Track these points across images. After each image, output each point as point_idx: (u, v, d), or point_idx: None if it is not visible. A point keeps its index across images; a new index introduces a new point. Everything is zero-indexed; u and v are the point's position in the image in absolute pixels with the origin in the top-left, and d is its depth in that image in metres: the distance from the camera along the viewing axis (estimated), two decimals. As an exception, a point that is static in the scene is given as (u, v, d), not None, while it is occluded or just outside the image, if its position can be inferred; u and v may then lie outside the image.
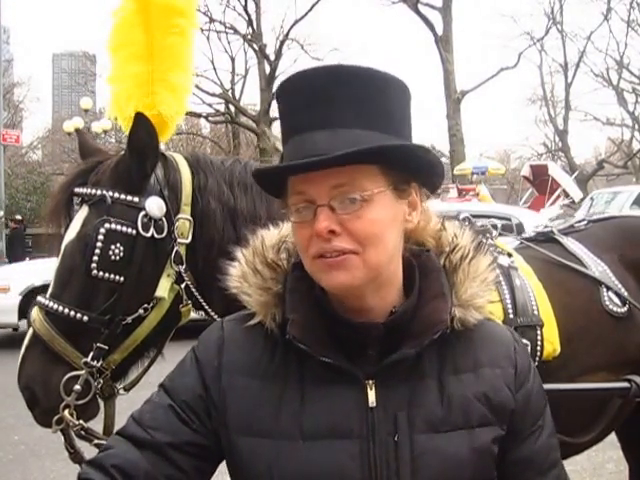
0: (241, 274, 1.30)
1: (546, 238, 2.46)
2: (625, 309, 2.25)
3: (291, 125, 1.20)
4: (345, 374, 1.18)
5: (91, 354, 1.90)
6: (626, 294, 2.27)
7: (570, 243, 2.39)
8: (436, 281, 1.24)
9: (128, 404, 1.34)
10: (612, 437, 2.61)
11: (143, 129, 1.92)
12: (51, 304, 1.92)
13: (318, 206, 1.13)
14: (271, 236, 1.33)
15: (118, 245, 1.90)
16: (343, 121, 1.14)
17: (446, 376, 1.21)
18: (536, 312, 2.08)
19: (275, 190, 1.25)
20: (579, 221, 2.58)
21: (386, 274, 1.20)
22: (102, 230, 1.89)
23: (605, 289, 2.26)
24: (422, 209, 1.25)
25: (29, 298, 9.01)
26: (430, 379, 1.20)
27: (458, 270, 1.27)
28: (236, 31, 29.42)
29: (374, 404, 1.17)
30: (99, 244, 1.89)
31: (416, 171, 1.20)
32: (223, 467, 1.28)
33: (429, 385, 1.20)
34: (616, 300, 2.25)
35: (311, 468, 1.15)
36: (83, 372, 1.90)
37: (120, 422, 1.32)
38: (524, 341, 2.02)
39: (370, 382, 1.18)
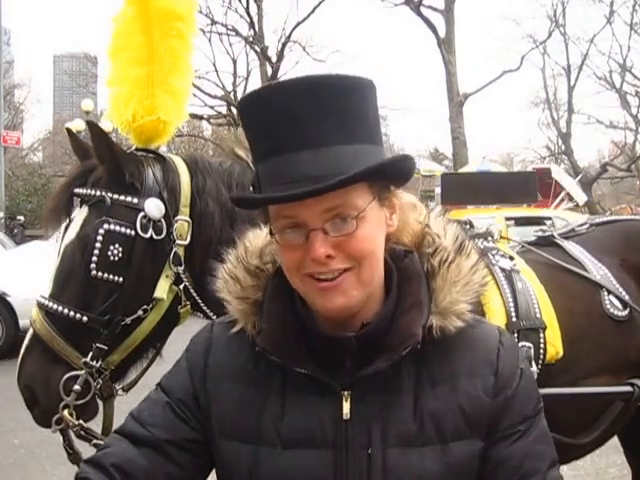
0: (223, 282, 1.29)
1: (547, 242, 2.46)
2: (626, 313, 2.25)
3: (266, 145, 1.12)
4: (322, 385, 1.17)
5: (90, 354, 1.91)
6: (627, 298, 2.27)
7: (571, 247, 2.39)
8: (415, 288, 1.21)
9: (127, 405, 1.34)
10: (615, 442, 2.61)
11: (98, 138, 1.94)
12: (51, 304, 1.92)
13: (311, 230, 1.10)
14: (257, 238, 1.30)
15: (117, 246, 1.90)
16: (322, 137, 1.08)
17: (422, 389, 1.17)
18: (539, 315, 2.08)
19: (254, 208, 1.24)
20: (580, 224, 2.58)
21: (375, 285, 1.18)
22: (101, 231, 1.90)
23: (606, 293, 2.26)
24: (399, 208, 1.22)
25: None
26: (406, 392, 1.17)
27: (437, 276, 1.22)
28: (238, 33, 29.37)
29: (348, 416, 1.16)
30: (98, 244, 1.89)
31: (394, 176, 1.18)
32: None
33: (405, 399, 1.17)
34: (617, 304, 2.25)
35: (288, 475, 1.15)
36: (82, 372, 1.91)
37: (119, 423, 1.32)
38: (527, 344, 2.01)
39: (346, 393, 1.16)
